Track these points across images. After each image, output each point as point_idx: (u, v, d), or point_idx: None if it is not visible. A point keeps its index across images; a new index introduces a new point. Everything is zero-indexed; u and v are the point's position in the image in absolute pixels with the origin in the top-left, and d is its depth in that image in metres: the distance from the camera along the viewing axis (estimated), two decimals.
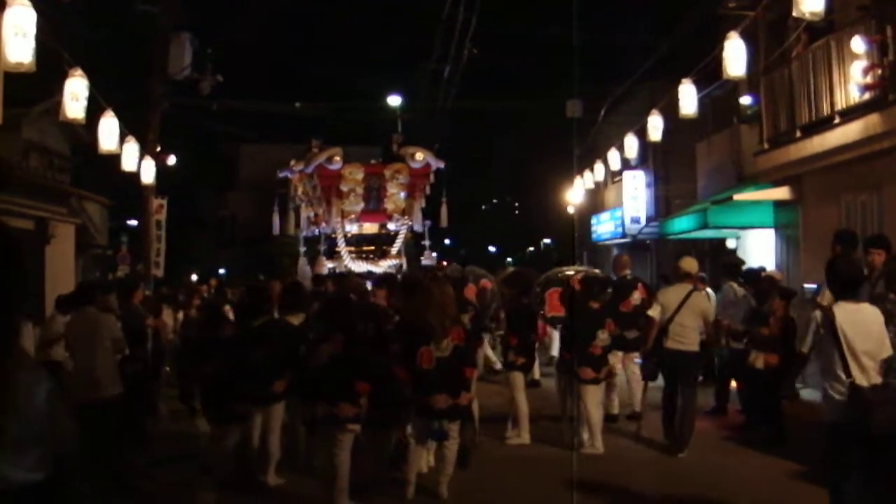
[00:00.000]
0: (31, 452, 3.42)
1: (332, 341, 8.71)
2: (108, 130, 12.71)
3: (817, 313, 7.56)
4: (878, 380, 6.96)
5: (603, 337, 11.55)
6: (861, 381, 6.90)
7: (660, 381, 12.13)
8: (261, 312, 10.38)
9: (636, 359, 13.40)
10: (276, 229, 28.47)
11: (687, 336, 11.40)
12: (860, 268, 8.51)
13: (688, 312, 11.43)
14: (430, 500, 9.22)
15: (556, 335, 17.54)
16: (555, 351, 18.31)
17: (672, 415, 11.50)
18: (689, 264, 12.24)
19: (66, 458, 3.31)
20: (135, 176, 16.04)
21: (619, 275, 14.40)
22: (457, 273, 16.99)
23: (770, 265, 17.36)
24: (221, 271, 43.99)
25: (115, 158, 14.02)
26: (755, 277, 14.02)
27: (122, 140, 13.51)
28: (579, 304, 11.97)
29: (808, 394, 14.28)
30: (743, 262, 15.60)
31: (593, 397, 11.50)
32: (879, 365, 7.04)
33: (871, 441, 6.79)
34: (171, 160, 25.98)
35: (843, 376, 6.96)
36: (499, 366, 16.31)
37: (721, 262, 17.75)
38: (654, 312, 11.68)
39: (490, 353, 17.78)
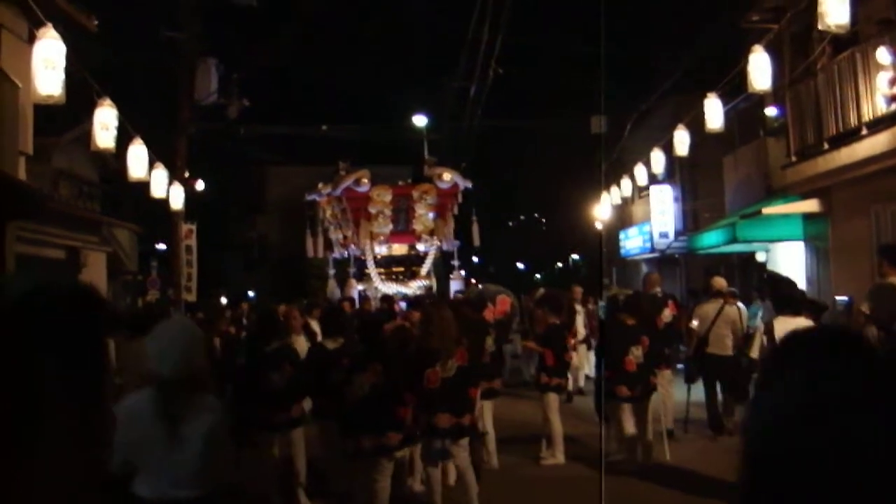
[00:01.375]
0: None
1: (371, 371, 8.67)
2: (137, 158, 12.80)
3: (761, 325, 10.10)
4: None
5: (637, 353, 11.53)
6: None
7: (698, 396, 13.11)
8: (273, 337, 10.35)
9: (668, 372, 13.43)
10: (309, 252, 28.57)
11: (723, 343, 13.15)
12: (795, 286, 10.68)
13: (722, 323, 13.25)
14: None
15: (590, 355, 17.60)
16: (589, 370, 18.36)
17: (715, 411, 13.17)
18: (720, 283, 14.10)
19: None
20: (164, 202, 16.14)
21: (649, 292, 14.41)
22: (475, 296, 17.01)
23: (800, 278, 17.30)
24: (251, 294, 44.13)
25: (144, 185, 14.12)
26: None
27: (150, 167, 13.61)
28: (612, 320, 11.98)
29: None
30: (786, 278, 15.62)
31: (626, 414, 11.51)
32: None
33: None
34: (200, 185, 26.13)
35: None
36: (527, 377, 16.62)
37: (760, 279, 17.69)
38: (693, 325, 13.62)
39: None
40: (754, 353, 10.36)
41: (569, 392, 16.12)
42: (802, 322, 8.74)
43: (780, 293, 9.82)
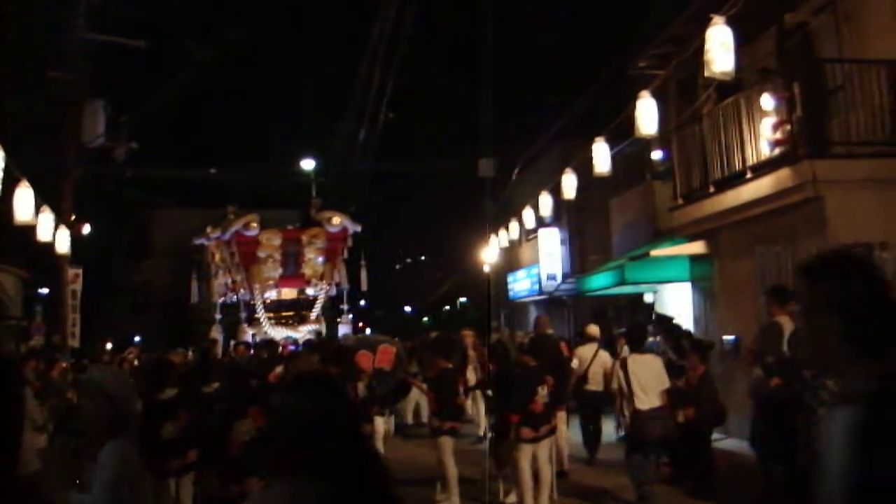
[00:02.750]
0: None
1: (252, 415, 8.60)
2: (23, 201, 12.59)
3: (618, 362, 11.84)
4: (657, 404, 10.96)
5: (543, 393, 11.59)
6: (643, 406, 10.94)
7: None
8: (166, 385, 10.25)
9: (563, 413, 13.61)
10: (195, 296, 28.29)
11: (598, 380, 14.72)
12: (645, 330, 13.84)
13: (597, 364, 14.86)
14: None
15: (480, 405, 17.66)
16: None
17: (592, 438, 15.10)
18: (593, 329, 15.92)
19: None
20: (50, 246, 15.87)
21: (542, 333, 14.73)
22: (350, 342, 17.21)
23: (688, 318, 17.60)
24: (137, 339, 43.45)
25: (30, 229, 13.88)
26: (672, 329, 14.30)
27: (37, 210, 13.36)
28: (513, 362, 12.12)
29: (731, 444, 14.46)
30: (671, 318, 15.91)
31: (526, 456, 11.56)
32: (660, 394, 11.04)
33: (646, 441, 11.09)
34: (86, 229, 25.71)
35: (633, 404, 11.03)
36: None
37: (648, 319, 17.96)
38: (574, 364, 15.07)
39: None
40: (614, 385, 11.85)
41: (478, 436, 16.18)
42: (651, 358, 11.63)
43: (634, 335, 12.44)
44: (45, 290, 29.65)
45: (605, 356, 15.05)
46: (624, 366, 11.28)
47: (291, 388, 3.63)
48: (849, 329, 2.73)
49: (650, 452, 11.29)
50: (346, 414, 3.23)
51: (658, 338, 14.91)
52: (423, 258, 76.77)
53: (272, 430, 3.42)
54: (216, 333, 25.77)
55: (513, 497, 11.75)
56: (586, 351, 15.29)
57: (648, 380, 11.03)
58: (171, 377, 10.58)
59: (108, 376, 4.93)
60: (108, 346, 34.87)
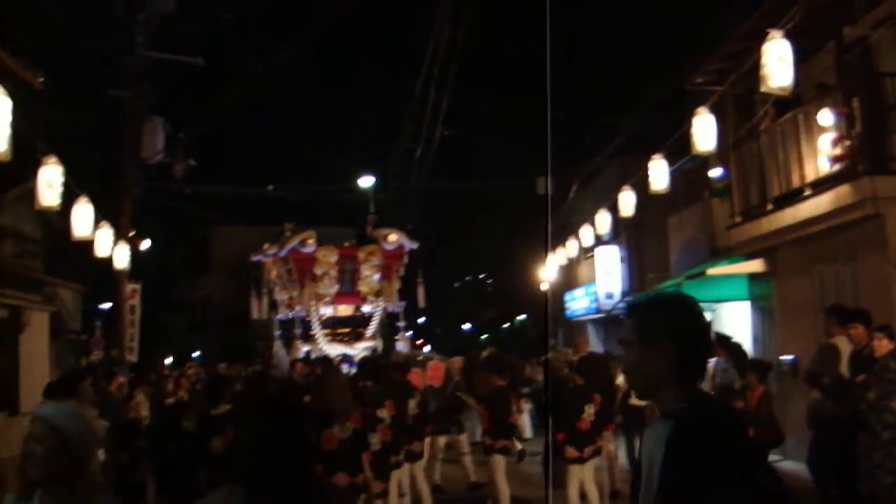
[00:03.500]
0: None
1: (353, 418, 9.19)
2: (82, 216, 12.68)
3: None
4: None
5: (590, 412, 11.51)
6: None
7: None
8: (221, 400, 10.35)
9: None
10: (255, 313, 28.38)
11: None
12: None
13: None
14: None
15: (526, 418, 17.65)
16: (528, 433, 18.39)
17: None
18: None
19: None
20: (108, 261, 15.99)
21: (581, 353, 15.16)
22: (400, 359, 17.18)
23: (746, 338, 17.37)
24: (195, 354, 43.75)
25: (88, 244, 13.98)
26: (735, 348, 14.05)
27: (95, 226, 13.47)
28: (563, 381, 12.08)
29: (789, 465, 14.25)
30: (730, 338, 15.70)
31: (573, 477, 11.48)
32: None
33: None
34: (145, 245, 25.91)
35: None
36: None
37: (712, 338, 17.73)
38: (620, 381, 14.05)
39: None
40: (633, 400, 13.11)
41: (520, 451, 16.11)
42: None
43: None
44: (105, 305, 29.89)
45: None
46: None
47: (256, 411, 4.19)
48: (675, 356, 3.19)
49: None
50: (291, 440, 3.73)
51: (719, 358, 14.66)
52: (481, 276, 76.69)
53: (236, 444, 4.28)
54: (279, 350, 25.86)
55: None
56: None
57: None
58: (224, 393, 10.68)
59: (60, 413, 4.39)
60: (168, 360, 35.21)
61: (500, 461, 11.97)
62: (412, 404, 11.74)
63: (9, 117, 8.41)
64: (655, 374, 3.25)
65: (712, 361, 14.62)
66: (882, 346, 9.60)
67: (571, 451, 11.34)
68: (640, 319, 3.36)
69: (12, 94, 8.68)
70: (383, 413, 10.72)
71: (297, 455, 3.76)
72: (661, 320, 3.31)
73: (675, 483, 2.93)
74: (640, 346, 3.30)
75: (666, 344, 3.20)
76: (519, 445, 15.65)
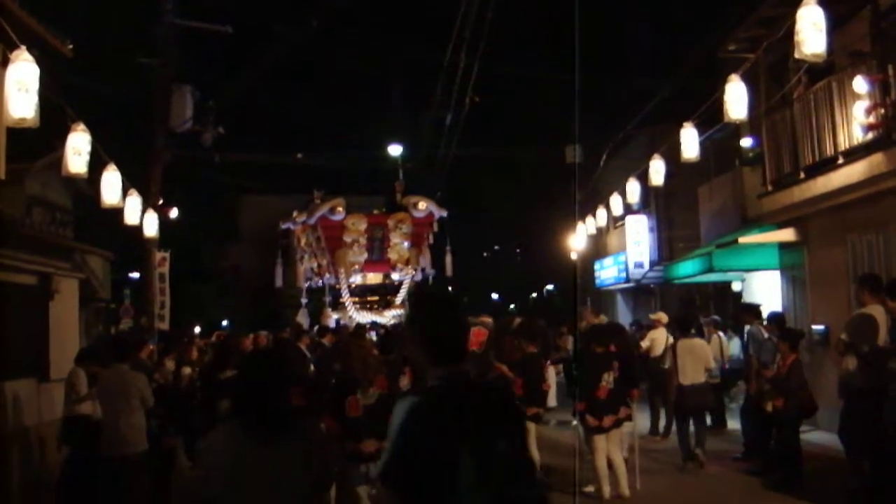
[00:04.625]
0: None
1: (377, 383, 9.59)
2: (111, 184, 12.65)
3: (669, 346, 14.93)
4: (700, 380, 13.54)
5: (609, 379, 11.48)
6: (685, 381, 13.46)
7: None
8: (228, 366, 10.84)
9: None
10: (280, 281, 28.43)
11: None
12: (691, 318, 15.86)
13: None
14: None
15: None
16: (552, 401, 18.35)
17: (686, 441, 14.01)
18: (662, 316, 18.01)
19: None
20: (137, 229, 16.00)
21: (591, 323, 16.29)
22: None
23: (777, 307, 17.26)
24: (225, 323, 43.93)
25: (117, 212, 13.98)
26: (780, 320, 13.93)
27: (124, 193, 13.44)
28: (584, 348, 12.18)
29: (820, 436, 14.19)
30: (758, 306, 15.56)
31: (599, 444, 11.49)
32: (706, 371, 13.72)
33: (687, 410, 13.67)
34: (174, 213, 25.94)
35: (677, 379, 13.53)
36: None
37: (741, 307, 17.63)
38: (645, 344, 17.48)
39: None
40: (665, 365, 15.15)
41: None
42: (697, 341, 14.25)
43: (681, 323, 14.90)
44: (135, 275, 29.99)
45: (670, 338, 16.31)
46: (673, 348, 14.04)
47: (246, 361, 5.63)
48: (424, 341, 3.67)
49: (691, 419, 13.76)
50: (275, 382, 4.67)
51: (751, 326, 14.53)
52: (510, 246, 76.52)
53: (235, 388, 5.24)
54: (303, 318, 25.87)
55: (591, 487, 11.72)
56: (657, 334, 17.37)
57: (694, 361, 13.59)
58: (232, 359, 10.88)
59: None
60: (197, 329, 35.34)
61: (531, 428, 11.93)
62: None
63: (37, 85, 8.39)
64: (416, 354, 3.76)
65: (747, 328, 14.58)
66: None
67: (591, 420, 11.38)
68: (406, 310, 4.07)
69: (41, 61, 8.65)
70: (404, 381, 10.74)
71: (280, 395, 4.66)
72: (414, 311, 4.05)
73: (410, 447, 3.40)
74: (407, 331, 3.94)
75: (416, 330, 3.75)
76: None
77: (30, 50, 8.53)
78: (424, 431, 3.38)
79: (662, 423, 16.87)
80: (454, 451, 3.33)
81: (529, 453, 3.98)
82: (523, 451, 3.67)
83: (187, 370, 14.13)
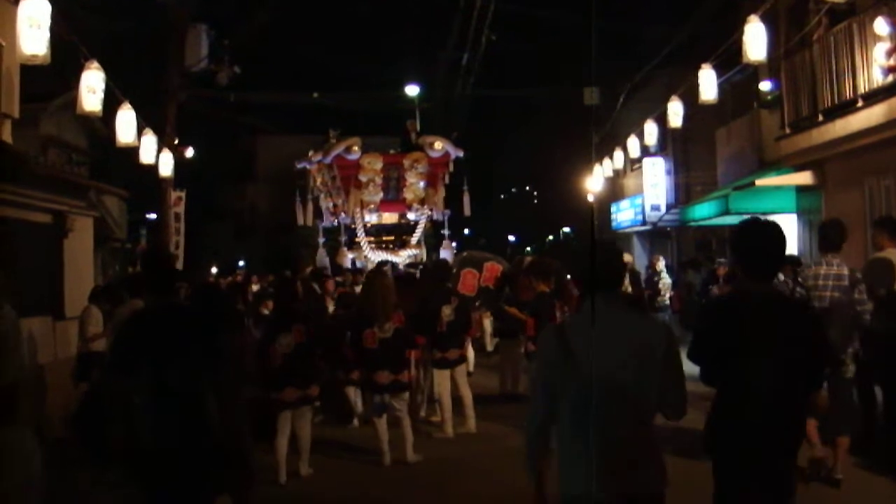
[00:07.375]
0: None
1: (295, 331, 9.53)
2: (126, 123, 12.65)
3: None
4: None
5: (447, 312, 11.79)
6: None
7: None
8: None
9: None
10: (301, 219, 28.46)
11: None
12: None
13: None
14: (402, 466, 10.13)
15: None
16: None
17: None
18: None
19: None
20: (153, 168, 16.01)
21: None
22: (455, 261, 17.46)
23: (793, 250, 17.19)
24: (241, 263, 44.03)
25: (133, 151, 13.99)
26: (796, 262, 13.84)
27: (139, 133, 13.45)
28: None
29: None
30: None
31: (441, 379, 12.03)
32: None
33: None
34: (189, 152, 25.90)
35: None
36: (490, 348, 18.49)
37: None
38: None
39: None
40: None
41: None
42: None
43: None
44: (151, 216, 30.02)
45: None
46: None
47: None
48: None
49: None
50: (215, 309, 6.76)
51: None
52: (527, 188, 76.34)
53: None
54: (322, 257, 25.94)
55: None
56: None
57: None
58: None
59: None
60: (214, 269, 35.46)
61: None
62: (447, 311, 11.66)
63: (48, 21, 8.37)
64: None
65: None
66: None
67: (436, 354, 11.98)
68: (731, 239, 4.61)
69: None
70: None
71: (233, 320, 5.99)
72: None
73: None
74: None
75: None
76: None
77: None
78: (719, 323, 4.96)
79: None
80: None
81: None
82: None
83: None
